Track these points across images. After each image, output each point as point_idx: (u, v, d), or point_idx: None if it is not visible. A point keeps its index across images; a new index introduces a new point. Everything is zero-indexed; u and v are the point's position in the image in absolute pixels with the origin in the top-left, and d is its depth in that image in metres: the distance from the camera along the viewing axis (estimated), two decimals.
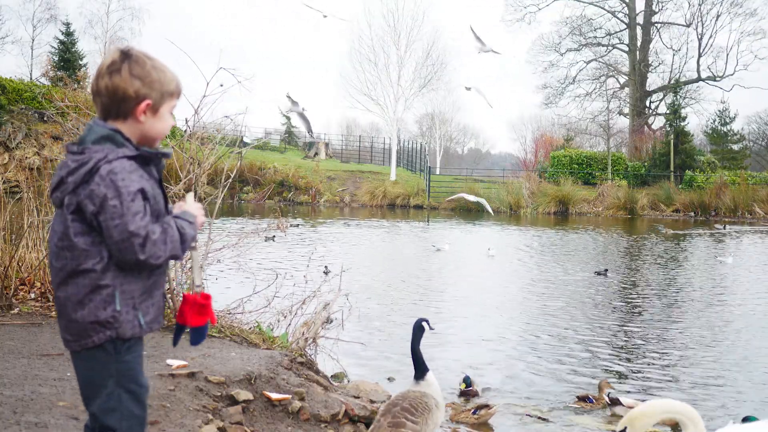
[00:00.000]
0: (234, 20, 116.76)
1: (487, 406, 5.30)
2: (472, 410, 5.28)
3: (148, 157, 2.18)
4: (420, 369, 4.02)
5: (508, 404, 5.78)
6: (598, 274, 13.38)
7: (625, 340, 8.20)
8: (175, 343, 2.42)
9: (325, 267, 11.81)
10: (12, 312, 5.11)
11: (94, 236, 2.11)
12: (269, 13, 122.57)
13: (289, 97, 11.55)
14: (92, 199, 2.07)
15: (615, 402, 5.66)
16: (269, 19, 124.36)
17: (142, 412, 2.21)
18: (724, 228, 24.92)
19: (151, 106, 2.17)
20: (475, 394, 5.86)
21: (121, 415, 2.15)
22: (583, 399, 5.84)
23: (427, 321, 4.28)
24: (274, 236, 16.61)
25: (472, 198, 17.19)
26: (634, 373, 6.86)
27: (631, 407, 5.55)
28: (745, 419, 5.72)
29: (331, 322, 8.63)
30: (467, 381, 5.89)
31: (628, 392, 6.20)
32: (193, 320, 2.33)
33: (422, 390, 3.92)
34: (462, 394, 5.86)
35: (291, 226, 16.67)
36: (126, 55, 2.15)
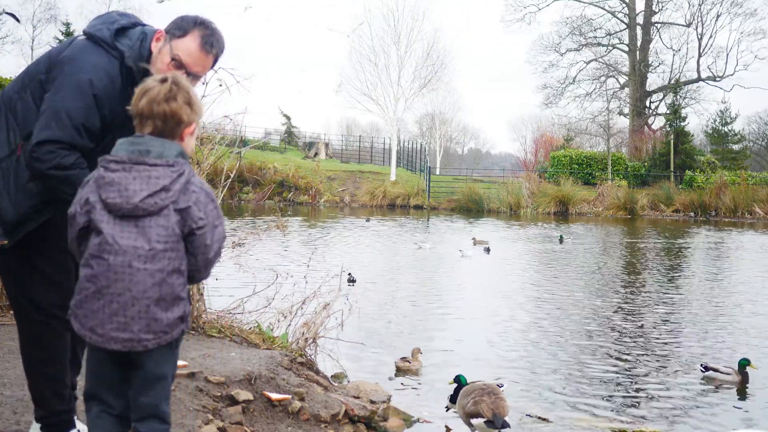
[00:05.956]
0: (233, 20, 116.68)
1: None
2: None
3: None
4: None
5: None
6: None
7: (625, 340, 8.21)
8: None
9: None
10: (12, 312, 5.11)
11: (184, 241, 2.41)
12: (268, 13, 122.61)
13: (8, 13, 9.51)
14: (198, 206, 2.38)
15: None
16: (268, 19, 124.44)
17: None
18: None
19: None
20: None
21: (168, 400, 2.46)
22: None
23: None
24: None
25: None
26: (635, 368, 6.87)
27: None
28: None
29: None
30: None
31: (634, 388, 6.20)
32: None
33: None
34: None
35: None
36: (174, 83, 2.40)
